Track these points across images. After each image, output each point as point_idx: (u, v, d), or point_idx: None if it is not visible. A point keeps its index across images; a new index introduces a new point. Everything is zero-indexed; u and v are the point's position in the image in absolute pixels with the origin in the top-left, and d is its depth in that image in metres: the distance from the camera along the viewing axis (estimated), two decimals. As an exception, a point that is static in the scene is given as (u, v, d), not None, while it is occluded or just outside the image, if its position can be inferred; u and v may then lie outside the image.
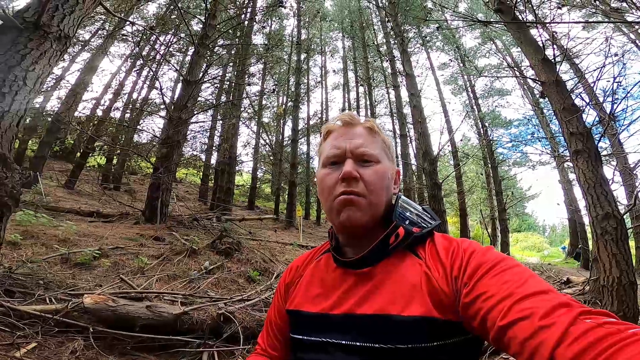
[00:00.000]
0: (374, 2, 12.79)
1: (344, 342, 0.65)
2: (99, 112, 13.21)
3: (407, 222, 0.72)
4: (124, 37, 12.36)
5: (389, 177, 0.76)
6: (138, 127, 11.40)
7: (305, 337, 0.73)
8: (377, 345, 0.61)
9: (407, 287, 0.64)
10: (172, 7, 11.67)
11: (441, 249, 0.67)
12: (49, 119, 10.72)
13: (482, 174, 18.94)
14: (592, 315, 0.44)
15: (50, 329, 1.85)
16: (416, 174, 14.19)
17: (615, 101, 3.06)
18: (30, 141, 11.70)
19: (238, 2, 10.79)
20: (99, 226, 5.62)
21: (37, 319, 1.86)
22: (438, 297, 0.61)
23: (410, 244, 0.70)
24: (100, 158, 13.19)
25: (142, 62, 12.61)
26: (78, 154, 12.29)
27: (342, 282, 0.73)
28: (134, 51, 12.83)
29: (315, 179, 0.81)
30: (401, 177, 0.85)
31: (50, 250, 3.63)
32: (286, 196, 15.36)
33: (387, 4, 9.35)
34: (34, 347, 1.67)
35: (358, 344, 0.63)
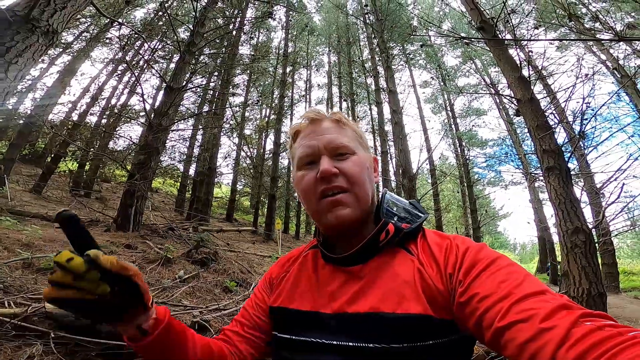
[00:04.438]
0: (362, 19, 13.15)
1: (335, 342, 0.62)
2: (75, 117, 12.76)
3: (395, 218, 0.71)
4: (109, 40, 12.14)
5: (368, 166, 0.74)
6: (115, 132, 11.04)
7: (294, 337, 0.68)
8: (370, 345, 0.58)
9: (400, 285, 0.62)
10: (160, 12, 11.60)
11: (434, 245, 0.66)
12: (21, 121, 10.26)
13: (458, 192, 19.49)
14: (592, 317, 0.44)
15: (6, 333, 1.72)
16: (395, 190, 14.39)
17: (584, 121, 3.25)
18: (-1, 143, 11.14)
19: (227, 12, 10.85)
20: (67, 232, 5.33)
21: (-8, 322, 1.72)
22: (432, 295, 0.59)
23: (401, 240, 0.68)
24: (72, 163, 12.60)
25: (125, 66, 12.37)
26: (49, 159, 11.72)
27: (332, 280, 0.70)
28: (118, 55, 12.59)
29: (293, 184, 0.78)
30: (380, 164, 0.84)
31: (12, 254, 3.39)
32: (265, 210, 15.15)
33: (374, 20, 9.66)
34: (-13, 351, 1.54)
35: (350, 344, 0.60)
